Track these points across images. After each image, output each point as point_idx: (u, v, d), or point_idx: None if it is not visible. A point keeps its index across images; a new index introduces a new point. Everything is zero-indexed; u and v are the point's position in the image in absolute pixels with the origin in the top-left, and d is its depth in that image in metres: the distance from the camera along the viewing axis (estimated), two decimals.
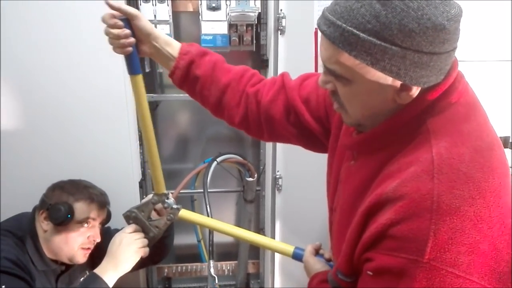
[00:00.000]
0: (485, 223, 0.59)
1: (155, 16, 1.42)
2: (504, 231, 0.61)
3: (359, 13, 0.58)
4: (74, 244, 1.14)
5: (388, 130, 0.67)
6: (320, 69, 1.26)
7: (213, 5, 1.42)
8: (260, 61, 1.57)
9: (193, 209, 1.72)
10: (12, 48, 1.28)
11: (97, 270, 1.04)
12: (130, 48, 0.83)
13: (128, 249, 1.03)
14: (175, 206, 1.05)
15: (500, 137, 1.81)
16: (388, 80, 0.61)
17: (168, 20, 1.43)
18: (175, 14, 1.47)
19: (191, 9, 1.48)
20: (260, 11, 1.45)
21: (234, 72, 0.93)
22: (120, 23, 0.81)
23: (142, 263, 1.38)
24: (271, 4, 1.44)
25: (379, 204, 0.63)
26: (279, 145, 1.58)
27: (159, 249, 1.31)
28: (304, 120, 0.91)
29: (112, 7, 0.80)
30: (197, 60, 0.90)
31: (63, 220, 1.12)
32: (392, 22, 0.56)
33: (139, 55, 0.87)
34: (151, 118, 0.94)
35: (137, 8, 1.41)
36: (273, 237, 1.67)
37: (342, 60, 0.61)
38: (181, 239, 1.80)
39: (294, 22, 1.41)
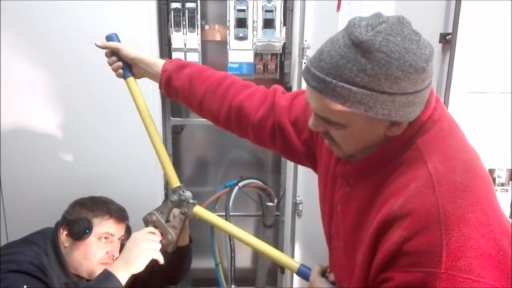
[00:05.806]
0: (486, 227, 0.63)
1: (185, 44, 1.49)
2: (505, 233, 0.65)
3: (346, 68, 0.62)
4: (93, 259, 1.16)
5: (381, 156, 0.71)
6: None
7: (241, 35, 1.49)
8: (284, 88, 1.61)
9: (212, 232, 1.73)
10: (21, 59, 1.34)
11: (109, 268, 1.05)
12: (121, 71, 1.05)
13: (140, 247, 1.04)
14: (191, 201, 1.04)
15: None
16: (380, 121, 0.66)
17: (197, 49, 1.50)
18: (204, 43, 1.55)
19: (219, 39, 1.55)
20: (285, 41, 1.51)
21: (210, 81, 1.00)
22: (108, 54, 1.06)
23: (159, 283, 1.38)
24: (296, 35, 1.50)
25: (388, 223, 0.66)
26: (300, 170, 1.60)
27: (176, 270, 1.32)
28: (290, 141, 0.95)
29: (99, 46, 1.05)
30: (174, 75, 1.01)
31: (82, 235, 1.15)
32: (378, 73, 0.61)
33: (135, 78, 1.07)
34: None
35: (169, 37, 1.49)
36: None
37: (336, 110, 0.66)
38: (198, 263, 1.80)
39: None
